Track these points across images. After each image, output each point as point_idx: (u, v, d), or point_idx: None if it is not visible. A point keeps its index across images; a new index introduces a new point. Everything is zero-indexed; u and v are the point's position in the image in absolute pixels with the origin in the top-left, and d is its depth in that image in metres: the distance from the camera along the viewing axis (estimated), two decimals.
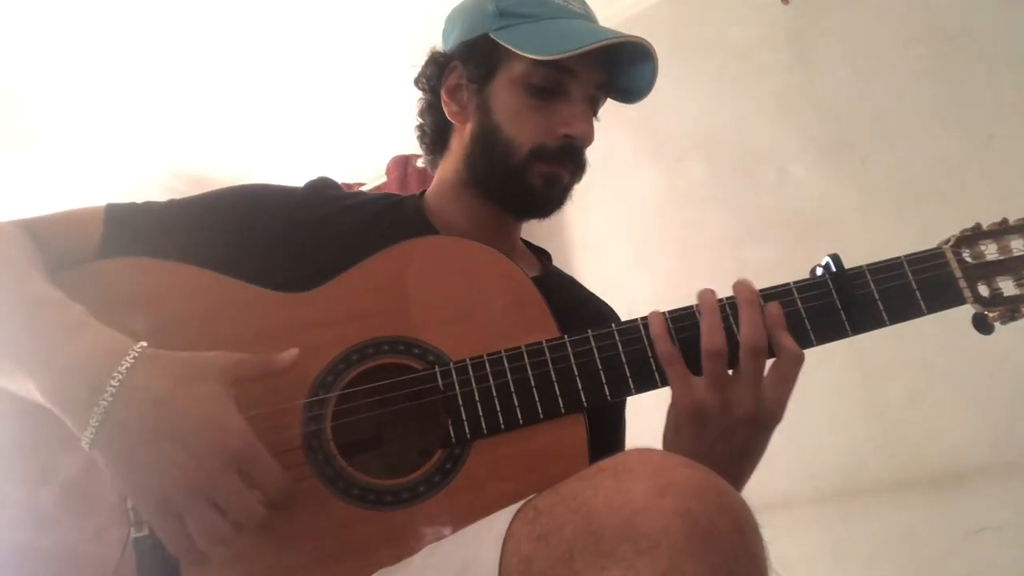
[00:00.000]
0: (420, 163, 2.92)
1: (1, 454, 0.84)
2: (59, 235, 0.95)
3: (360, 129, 3.06)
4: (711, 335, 0.83)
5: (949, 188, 2.01)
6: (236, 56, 2.70)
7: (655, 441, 0.88)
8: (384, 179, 3.02)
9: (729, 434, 0.83)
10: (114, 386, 0.72)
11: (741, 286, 0.86)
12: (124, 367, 0.74)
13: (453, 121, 1.11)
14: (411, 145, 3.02)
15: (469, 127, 1.09)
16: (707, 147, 2.47)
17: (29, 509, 0.82)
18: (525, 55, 1.00)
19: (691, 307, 0.88)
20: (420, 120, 1.18)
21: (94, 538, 0.80)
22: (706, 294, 0.87)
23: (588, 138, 1.05)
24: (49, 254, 0.92)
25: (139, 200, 1.05)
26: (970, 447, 1.89)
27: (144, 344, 0.76)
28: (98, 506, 0.81)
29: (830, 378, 2.03)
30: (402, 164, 2.91)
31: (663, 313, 0.87)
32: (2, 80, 2.59)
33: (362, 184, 3.11)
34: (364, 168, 3.15)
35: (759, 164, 2.37)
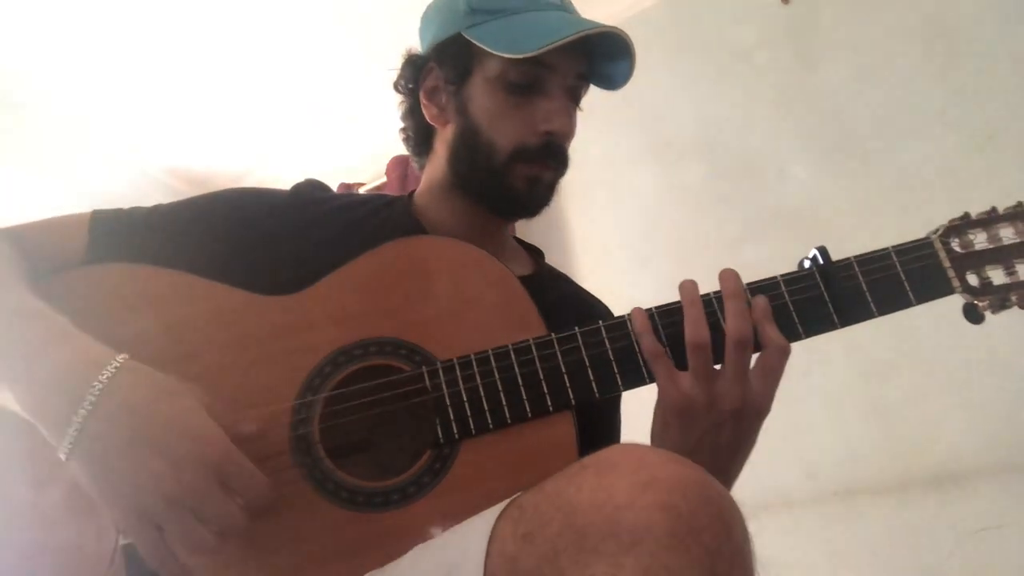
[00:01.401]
0: None
1: (2, 454, 0.84)
2: (45, 242, 0.95)
3: (360, 129, 3.06)
4: (695, 328, 0.82)
5: (949, 188, 2.00)
6: (235, 56, 2.70)
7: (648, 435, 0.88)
8: (384, 179, 3.02)
9: (717, 429, 0.82)
10: (93, 396, 0.72)
11: (726, 278, 0.85)
12: (104, 377, 0.73)
13: (433, 124, 1.11)
14: None
15: (450, 129, 1.08)
16: (707, 147, 2.47)
17: (30, 509, 0.82)
18: (498, 54, 0.99)
19: (677, 302, 0.87)
20: (403, 123, 1.17)
21: (93, 539, 0.80)
22: (688, 286, 0.85)
23: (569, 133, 1.04)
24: (35, 261, 0.92)
25: (127, 206, 1.05)
26: (970, 447, 1.89)
27: (125, 356, 0.76)
28: (86, 534, 0.80)
29: (830, 378, 2.03)
30: (402, 164, 2.90)
31: (647, 309, 0.87)
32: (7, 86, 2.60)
33: (362, 184, 3.12)
34: (364, 168, 3.15)
35: (759, 164, 2.37)
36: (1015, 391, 1.84)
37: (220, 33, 2.59)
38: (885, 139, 2.16)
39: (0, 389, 0.77)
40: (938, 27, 2.13)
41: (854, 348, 2.03)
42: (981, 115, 2.02)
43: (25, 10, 2.34)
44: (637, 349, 0.86)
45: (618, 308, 1.21)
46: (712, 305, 0.85)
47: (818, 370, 2.03)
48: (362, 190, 3.02)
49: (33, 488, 0.82)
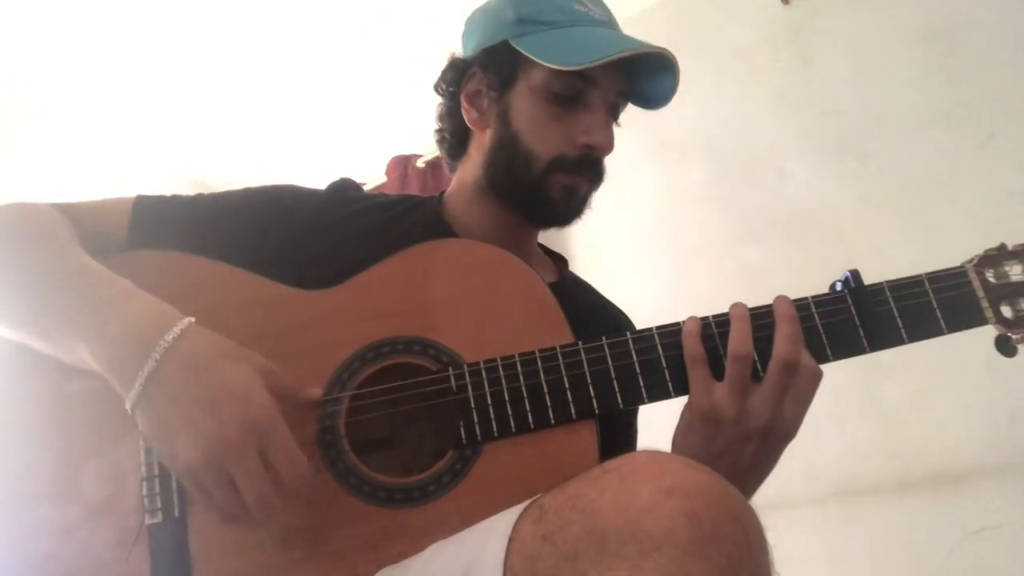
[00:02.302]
0: (420, 163, 2.92)
1: (18, 463, 0.85)
2: (89, 223, 0.97)
3: (360, 129, 3.05)
4: (741, 340, 0.84)
5: (949, 188, 2.01)
6: (236, 57, 2.70)
7: (667, 446, 0.88)
8: (384, 179, 3.02)
9: (741, 443, 0.83)
10: (159, 353, 0.76)
11: (781, 302, 0.86)
12: (170, 336, 0.77)
13: (472, 128, 1.11)
14: (411, 145, 3.04)
15: (489, 134, 1.08)
16: (707, 147, 2.47)
17: (45, 517, 0.82)
18: (546, 64, 0.99)
19: (723, 315, 0.88)
20: (440, 124, 1.18)
21: (112, 544, 0.81)
22: (738, 306, 0.87)
23: (608, 147, 1.04)
24: (83, 239, 0.94)
25: (166, 194, 1.07)
26: (970, 447, 1.90)
27: (192, 319, 0.80)
28: (116, 511, 0.82)
29: (830, 378, 2.01)
30: (402, 164, 2.90)
31: (703, 317, 0.88)
32: (7, 87, 2.60)
33: (362, 184, 3.11)
34: (364, 168, 3.14)
35: (759, 164, 2.37)
36: (1015, 391, 1.84)
37: (220, 33, 2.59)
38: (885, 139, 2.16)
39: (74, 344, 0.81)
40: (938, 27, 2.14)
41: None
42: (981, 115, 2.02)
43: (31, 15, 2.34)
44: (664, 364, 0.87)
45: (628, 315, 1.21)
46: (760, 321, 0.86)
47: None
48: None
49: (52, 496, 0.83)
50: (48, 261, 0.87)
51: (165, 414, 0.75)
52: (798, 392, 0.83)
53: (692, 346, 0.85)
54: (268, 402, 0.76)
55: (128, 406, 0.76)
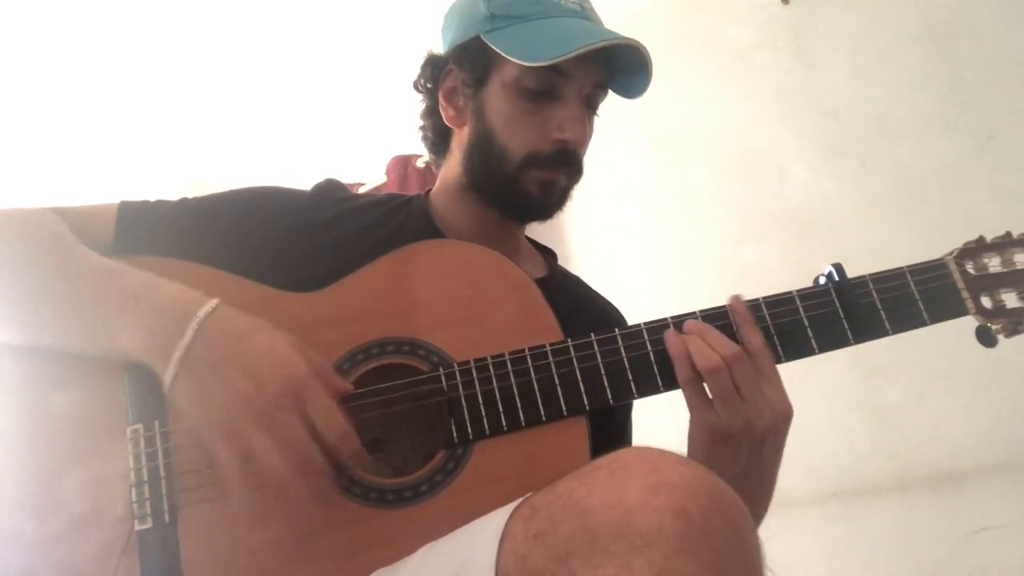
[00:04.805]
0: (420, 163, 2.92)
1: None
2: (76, 227, 0.96)
3: (360, 129, 3.06)
4: (703, 354, 0.84)
5: (949, 188, 2.01)
6: (236, 56, 2.70)
7: (662, 442, 0.88)
8: (384, 179, 3.02)
9: (759, 445, 0.84)
10: (196, 323, 0.79)
11: (672, 334, 0.88)
12: (203, 311, 0.80)
13: (450, 125, 1.11)
14: (411, 145, 3.05)
15: (466, 131, 1.08)
16: (707, 147, 2.47)
17: (28, 530, 0.81)
18: (514, 61, 0.99)
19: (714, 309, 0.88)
20: (422, 122, 1.18)
21: (98, 555, 0.80)
22: (689, 323, 0.88)
23: (582, 141, 1.04)
24: None
25: (151, 198, 1.06)
26: (970, 447, 1.90)
27: (218, 300, 0.82)
28: (100, 520, 0.81)
29: (830, 378, 2.03)
30: (402, 164, 2.91)
31: (679, 335, 0.88)
32: (7, 87, 2.60)
33: (362, 184, 3.12)
34: (364, 168, 3.15)
35: (759, 164, 2.37)
36: (1015, 391, 1.84)
37: (220, 32, 2.59)
38: (885, 139, 2.16)
39: (107, 330, 0.83)
40: (938, 27, 2.13)
41: (854, 348, 2.03)
42: (981, 115, 2.02)
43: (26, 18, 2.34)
44: (653, 359, 0.87)
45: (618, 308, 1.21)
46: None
47: (818, 370, 2.03)
48: (362, 190, 3.01)
49: (34, 508, 0.82)
50: (67, 259, 0.88)
51: (204, 382, 0.77)
52: (760, 373, 0.84)
53: (683, 370, 0.85)
54: (303, 364, 0.78)
55: (167, 379, 0.78)
